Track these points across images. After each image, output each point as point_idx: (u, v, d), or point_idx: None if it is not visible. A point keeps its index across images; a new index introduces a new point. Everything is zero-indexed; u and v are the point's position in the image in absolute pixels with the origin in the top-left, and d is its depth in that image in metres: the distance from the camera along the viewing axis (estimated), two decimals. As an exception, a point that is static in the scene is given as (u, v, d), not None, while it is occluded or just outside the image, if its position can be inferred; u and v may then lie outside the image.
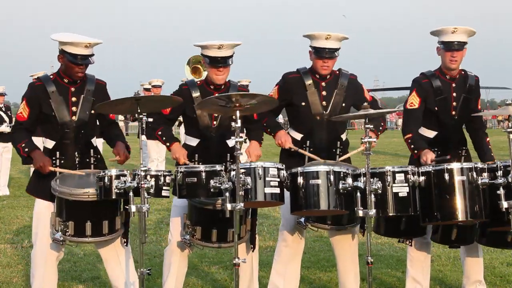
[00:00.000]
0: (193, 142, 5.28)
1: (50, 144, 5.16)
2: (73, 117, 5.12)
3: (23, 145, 5.09)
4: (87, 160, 5.20)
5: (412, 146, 5.40)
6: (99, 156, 5.29)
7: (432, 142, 5.49)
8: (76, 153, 5.16)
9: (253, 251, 5.17)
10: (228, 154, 5.25)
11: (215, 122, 5.26)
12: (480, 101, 5.69)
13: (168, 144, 5.26)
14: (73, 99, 5.12)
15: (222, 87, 5.27)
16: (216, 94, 5.10)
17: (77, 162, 5.16)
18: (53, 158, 5.12)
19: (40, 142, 5.21)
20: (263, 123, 5.45)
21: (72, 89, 5.15)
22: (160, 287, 5.43)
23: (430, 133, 5.52)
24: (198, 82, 5.32)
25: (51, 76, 5.18)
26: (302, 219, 5.17)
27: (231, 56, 5.19)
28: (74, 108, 5.12)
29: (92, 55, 5.07)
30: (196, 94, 5.23)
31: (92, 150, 5.24)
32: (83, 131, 5.17)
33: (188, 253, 5.21)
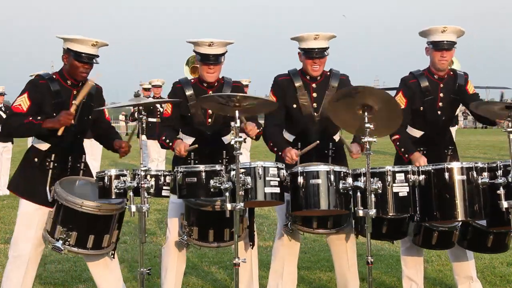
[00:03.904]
0: (189, 140, 5.26)
1: (44, 146, 4.98)
2: (73, 121, 4.91)
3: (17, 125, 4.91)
4: (78, 165, 5.10)
5: (402, 149, 5.37)
6: (86, 162, 5.21)
7: (419, 141, 5.49)
8: (70, 157, 5.05)
9: (252, 248, 5.16)
10: (224, 151, 5.25)
11: (209, 120, 5.25)
12: (470, 84, 5.54)
13: (170, 144, 5.11)
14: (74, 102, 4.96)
15: (216, 84, 5.25)
16: (210, 92, 5.10)
17: (69, 167, 5.05)
18: (47, 160, 4.96)
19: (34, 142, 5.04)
20: (270, 143, 5.28)
21: (75, 92, 5.00)
22: (159, 287, 5.42)
23: (417, 133, 5.52)
24: (192, 80, 5.31)
25: (54, 76, 5.01)
26: (288, 223, 5.14)
27: (222, 54, 5.16)
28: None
29: (97, 56, 4.96)
30: (189, 92, 5.20)
31: (83, 156, 5.16)
32: (79, 136, 5.10)
33: (186, 251, 5.22)
